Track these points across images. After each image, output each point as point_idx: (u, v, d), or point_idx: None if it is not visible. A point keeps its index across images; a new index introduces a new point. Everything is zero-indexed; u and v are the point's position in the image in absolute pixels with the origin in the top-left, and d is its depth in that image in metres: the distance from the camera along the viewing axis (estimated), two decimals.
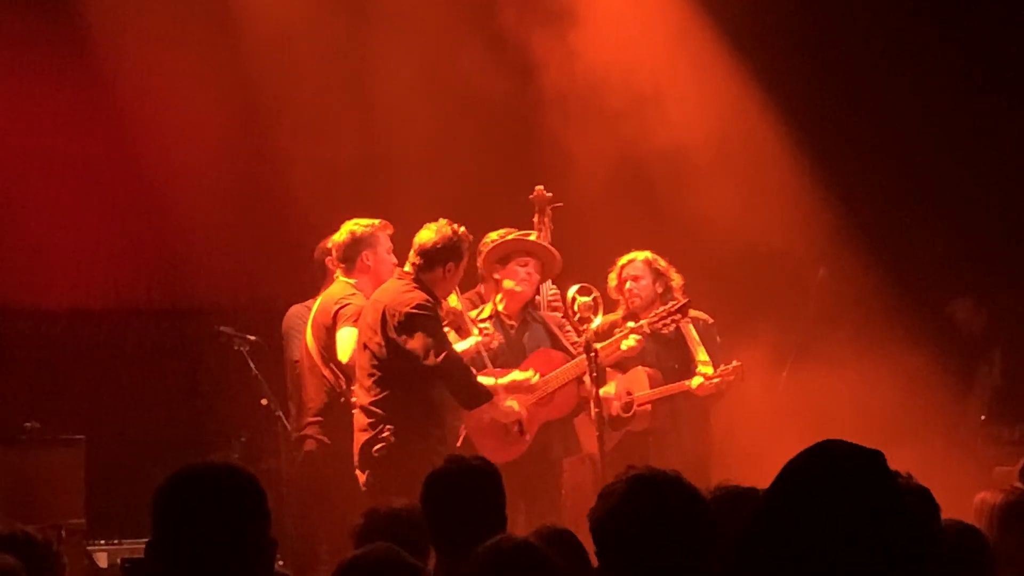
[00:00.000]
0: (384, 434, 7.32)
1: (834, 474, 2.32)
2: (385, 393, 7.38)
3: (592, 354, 7.47)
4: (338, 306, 7.71)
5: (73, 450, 8.36)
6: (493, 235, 8.28)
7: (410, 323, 7.34)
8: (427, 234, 7.56)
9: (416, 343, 7.34)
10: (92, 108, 9.81)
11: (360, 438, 7.43)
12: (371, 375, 7.43)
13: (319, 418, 7.82)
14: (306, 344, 7.91)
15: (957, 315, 10.30)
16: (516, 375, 7.77)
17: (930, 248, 10.29)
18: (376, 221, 7.91)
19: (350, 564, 3.95)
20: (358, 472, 7.42)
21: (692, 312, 8.40)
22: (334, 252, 7.95)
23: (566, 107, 9.71)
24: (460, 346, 7.69)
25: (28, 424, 8.32)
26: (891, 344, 9.45)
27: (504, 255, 7.98)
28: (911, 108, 10.28)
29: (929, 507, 3.69)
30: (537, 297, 8.24)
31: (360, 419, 7.46)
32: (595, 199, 9.36)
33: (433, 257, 7.51)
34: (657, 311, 8.03)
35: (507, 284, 7.97)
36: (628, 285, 8.35)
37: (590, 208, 9.20)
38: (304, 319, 8.11)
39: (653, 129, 9.46)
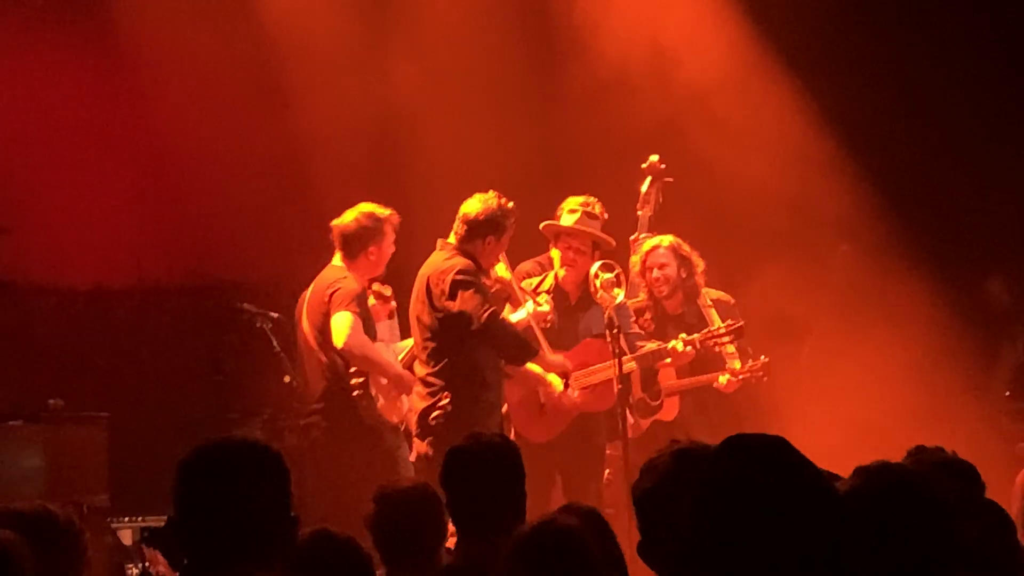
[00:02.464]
0: (442, 402, 7.41)
1: (739, 468, 2.34)
2: (439, 363, 7.46)
3: (614, 331, 7.45)
4: (331, 290, 7.66)
5: (96, 427, 8.38)
6: (572, 201, 8.17)
7: (452, 289, 7.39)
8: (473, 204, 7.60)
9: (460, 306, 7.38)
10: (115, 86, 9.82)
11: (418, 407, 7.52)
12: (424, 347, 7.53)
13: (321, 404, 7.82)
14: (303, 329, 7.90)
15: (991, 292, 10.23)
16: (555, 359, 7.75)
17: (958, 223, 10.21)
18: (387, 212, 7.80)
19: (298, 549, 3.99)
20: (416, 441, 7.52)
21: (713, 293, 8.40)
22: (337, 237, 7.83)
23: (589, 80, 9.71)
24: (513, 317, 7.69)
25: (52, 402, 8.34)
26: (915, 319, 9.40)
27: (554, 235, 7.96)
28: (946, 81, 10.18)
29: (973, 482, 3.68)
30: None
31: (419, 389, 7.55)
32: (620, 170, 9.30)
33: (475, 228, 7.55)
34: (712, 331, 7.97)
35: (556, 263, 7.95)
36: (655, 273, 8.31)
37: (614, 180, 9.15)
38: None
39: (680, 99, 9.45)
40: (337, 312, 7.59)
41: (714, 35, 9.75)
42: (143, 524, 8.25)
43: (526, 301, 7.79)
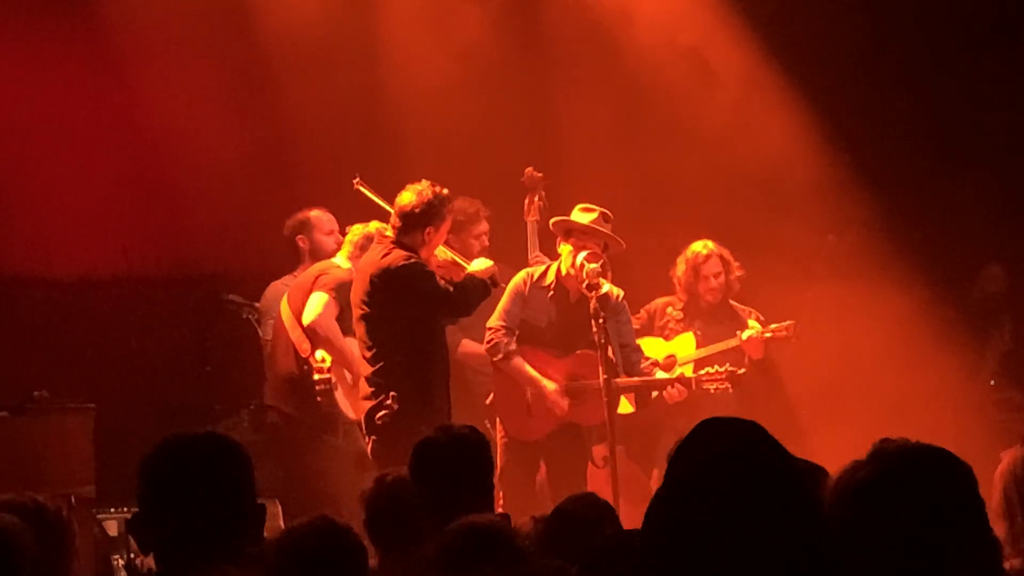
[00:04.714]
0: (387, 401, 7.32)
1: (716, 451, 2.33)
2: (383, 362, 7.37)
3: (600, 320, 7.44)
4: (319, 272, 7.79)
5: (82, 419, 8.36)
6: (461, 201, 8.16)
7: (406, 281, 7.31)
8: (407, 196, 7.45)
9: (421, 294, 7.31)
10: (100, 76, 9.79)
11: (364, 407, 7.45)
12: (369, 347, 7.42)
13: (283, 389, 7.83)
14: (279, 313, 7.92)
15: (989, 277, 10.23)
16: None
17: (948, 212, 10.21)
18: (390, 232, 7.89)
19: (287, 535, 4.01)
20: (366, 439, 7.43)
21: (737, 305, 8.57)
22: (360, 239, 7.94)
23: (568, 63, 9.73)
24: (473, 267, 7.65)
25: (37, 393, 8.31)
26: (902, 309, 9.41)
27: (565, 232, 7.89)
28: (940, 68, 10.19)
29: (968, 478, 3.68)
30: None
31: (363, 388, 7.46)
32: (599, 159, 9.31)
33: (413, 221, 7.41)
34: (710, 372, 7.95)
35: (564, 260, 7.87)
36: (711, 283, 8.54)
37: (593, 172, 9.17)
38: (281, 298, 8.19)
39: (664, 83, 9.48)
40: (316, 291, 7.61)
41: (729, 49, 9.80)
42: (129, 515, 8.24)
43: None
